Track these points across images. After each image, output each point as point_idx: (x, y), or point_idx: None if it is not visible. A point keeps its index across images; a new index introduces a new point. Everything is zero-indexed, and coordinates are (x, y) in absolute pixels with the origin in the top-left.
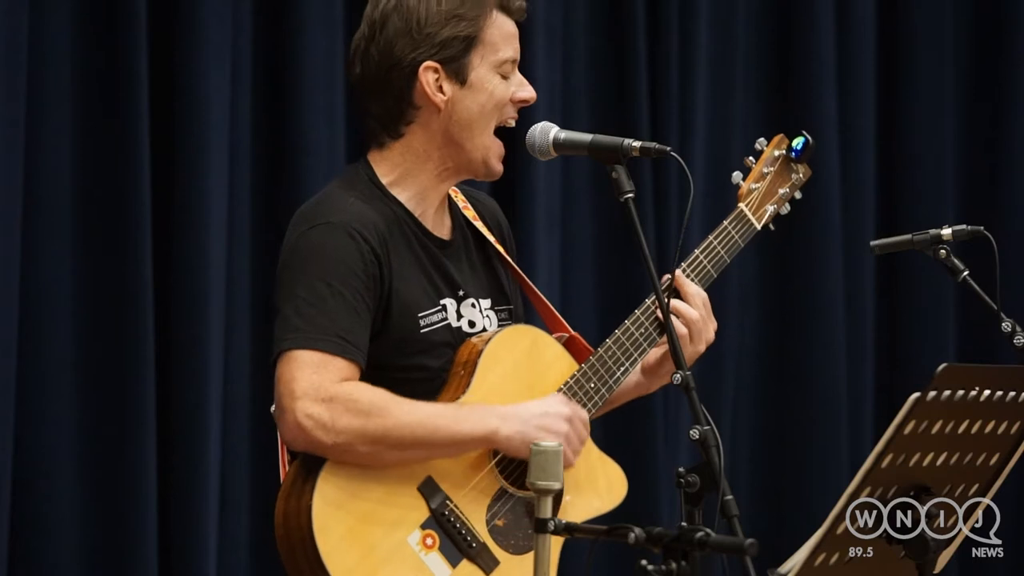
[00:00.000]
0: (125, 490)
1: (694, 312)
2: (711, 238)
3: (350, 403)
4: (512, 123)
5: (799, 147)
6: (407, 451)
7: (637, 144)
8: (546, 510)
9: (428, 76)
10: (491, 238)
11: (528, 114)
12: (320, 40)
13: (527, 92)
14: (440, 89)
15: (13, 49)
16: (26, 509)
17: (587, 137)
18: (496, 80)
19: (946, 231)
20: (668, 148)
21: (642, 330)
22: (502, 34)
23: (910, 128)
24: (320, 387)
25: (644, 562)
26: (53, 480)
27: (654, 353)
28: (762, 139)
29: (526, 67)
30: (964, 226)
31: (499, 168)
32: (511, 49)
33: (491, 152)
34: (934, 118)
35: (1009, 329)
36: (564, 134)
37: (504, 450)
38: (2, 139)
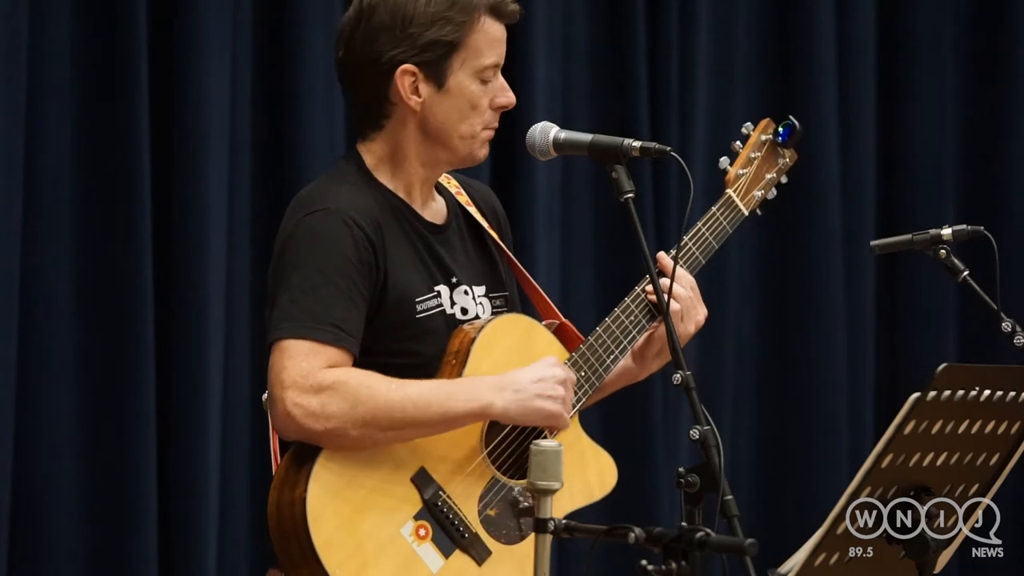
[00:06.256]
0: (125, 490)
1: (682, 290)
2: (699, 224)
3: (339, 388)
4: (491, 132)
5: (785, 131)
6: (400, 431)
7: (637, 144)
8: (546, 510)
9: (405, 79)
10: (485, 224)
11: (528, 114)
12: (320, 40)
13: (507, 98)
14: (416, 91)
15: (13, 48)
16: (26, 509)
17: (587, 137)
18: (475, 86)
19: (946, 231)
20: (668, 148)
21: (632, 318)
22: (487, 40)
23: (910, 128)
24: (309, 375)
25: (644, 562)
26: (53, 480)
27: (642, 339)
28: (749, 123)
29: (526, 67)
30: (964, 226)
31: (483, 155)
32: (495, 55)
33: (475, 142)
34: (934, 118)
35: (1009, 329)
36: (564, 134)
37: (502, 422)
38: (2, 138)
